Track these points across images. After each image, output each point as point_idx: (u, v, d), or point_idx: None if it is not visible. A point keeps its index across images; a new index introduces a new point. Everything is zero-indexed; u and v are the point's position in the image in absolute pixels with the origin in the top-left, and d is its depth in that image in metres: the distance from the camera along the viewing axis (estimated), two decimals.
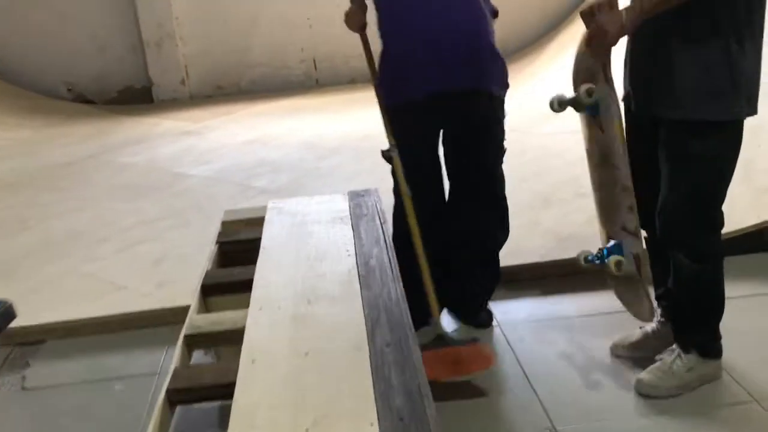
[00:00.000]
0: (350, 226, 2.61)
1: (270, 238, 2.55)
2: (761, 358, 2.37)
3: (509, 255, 3.06)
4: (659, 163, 2.09)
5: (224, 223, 2.86)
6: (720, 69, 1.90)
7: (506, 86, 2.56)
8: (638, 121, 2.16)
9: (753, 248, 2.98)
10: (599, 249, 2.34)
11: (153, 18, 6.77)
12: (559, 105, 2.24)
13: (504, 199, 2.73)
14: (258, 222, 2.77)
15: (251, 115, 6.20)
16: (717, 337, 2.20)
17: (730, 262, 2.64)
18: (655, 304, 2.34)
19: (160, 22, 6.78)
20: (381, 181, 4.28)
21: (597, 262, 2.32)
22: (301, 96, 6.84)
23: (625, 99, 2.19)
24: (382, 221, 2.65)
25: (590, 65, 2.20)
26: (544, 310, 2.84)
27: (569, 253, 3.05)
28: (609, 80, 2.17)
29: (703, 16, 1.85)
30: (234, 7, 6.91)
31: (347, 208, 2.80)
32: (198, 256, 2.97)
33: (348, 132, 5.38)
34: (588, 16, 2.01)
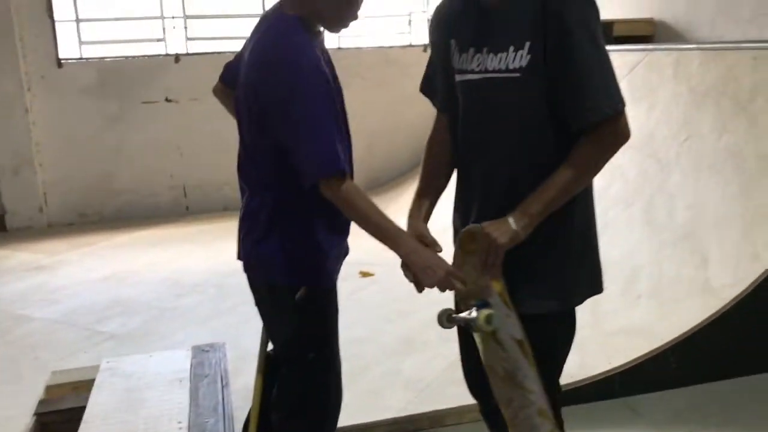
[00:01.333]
0: (188, 390, 2.42)
1: (95, 407, 2.30)
2: None
3: (365, 410, 2.93)
4: None
5: (48, 388, 2.59)
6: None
7: (299, 277, 2.11)
8: None
9: (604, 395, 2.98)
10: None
11: (10, 144, 6.44)
12: (448, 322, 1.87)
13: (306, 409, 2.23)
14: (87, 386, 2.52)
15: (112, 247, 5.89)
16: None
17: (580, 411, 2.62)
18: None
19: (18, 148, 6.46)
20: (241, 324, 4.12)
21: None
22: (169, 225, 6.61)
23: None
24: (223, 383, 2.47)
25: (479, 282, 1.85)
26: None
27: (429, 406, 2.98)
28: (505, 300, 1.84)
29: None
30: (99, 133, 6.71)
31: (188, 367, 2.60)
32: (26, 420, 2.66)
33: (214, 266, 5.18)
34: (468, 237, 1.83)
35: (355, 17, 2.09)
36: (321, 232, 2.11)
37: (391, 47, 7.35)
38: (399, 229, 1.90)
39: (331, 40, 7.06)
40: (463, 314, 1.86)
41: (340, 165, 1.88)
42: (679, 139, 4.13)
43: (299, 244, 2.10)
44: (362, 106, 7.13)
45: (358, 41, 7.24)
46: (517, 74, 1.74)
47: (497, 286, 1.82)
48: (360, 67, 7.19)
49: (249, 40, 2.16)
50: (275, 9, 2.10)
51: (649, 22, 5.88)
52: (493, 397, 2.00)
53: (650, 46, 4.95)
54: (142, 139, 6.81)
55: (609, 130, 1.70)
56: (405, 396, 3.09)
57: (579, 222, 1.87)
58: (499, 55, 1.77)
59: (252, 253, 2.16)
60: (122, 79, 6.68)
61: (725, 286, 3.17)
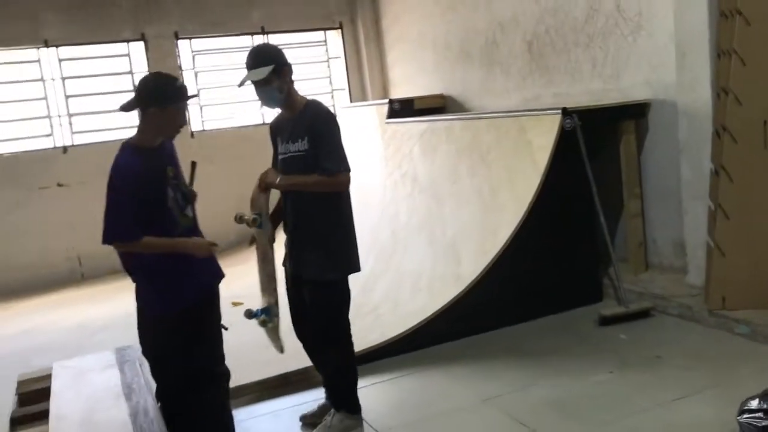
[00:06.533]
0: (118, 369, 3.76)
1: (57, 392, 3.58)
2: (390, 406, 3.85)
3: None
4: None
5: (20, 383, 3.87)
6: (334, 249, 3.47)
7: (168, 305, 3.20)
8: (293, 276, 3.61)
9: (396, 352, 4.56)
10: (261, 309, 3.50)
11: None
12: (238, 220, 3.43)
13: None
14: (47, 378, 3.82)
15: (20, 313, 6.97)
16: (356, 399, 3.61)
17: (379, 365, 4.17)
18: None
19: None
20: None
21: (260, 315, 3.48)
22: (68, 290, 7.72)
23: (283, 262, 3.67)
24: (140, 364, 3.83)
25: (260, 201, 3.49)
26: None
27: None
28: (267, 209, 3.50)
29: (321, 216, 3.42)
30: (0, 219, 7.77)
31: (114, 359, 3.94)
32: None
33: (114, 313, 6.39)
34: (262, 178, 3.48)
35: (184, 123, 3.16)
36: (170, 270, 3.13)
37: (246, 126, 8.91)
38: (177, 240, 3.10)
39: (196, 124, 8.50)
40: (246, 217, 3.46)
41: (130, 236, 3.14)
42: (450, 183, 5.87)
43: (162, 282, 3.17)
44: (227, 175, 8.61)
45: (218, 124, 8.74)
46: (303, 152, 3.39)
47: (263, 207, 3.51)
48: (223, 144, 8.69)
49: None
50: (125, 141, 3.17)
51: (440, 96, 7.77)
52: (310, 340, 3.56)
53: (432, 118, 6.74)
54: (39, 220, 7.92)
55: (333, 178, 3.33)
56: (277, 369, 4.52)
57: (343, 225, 3.47)
58: (295, 143, 3.42)
59: (141, 298, 3.36)
60: (18, 171, 7.85)
61: (469, 275, 4.85)
